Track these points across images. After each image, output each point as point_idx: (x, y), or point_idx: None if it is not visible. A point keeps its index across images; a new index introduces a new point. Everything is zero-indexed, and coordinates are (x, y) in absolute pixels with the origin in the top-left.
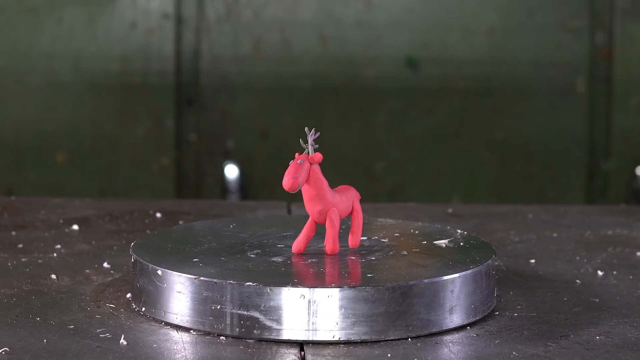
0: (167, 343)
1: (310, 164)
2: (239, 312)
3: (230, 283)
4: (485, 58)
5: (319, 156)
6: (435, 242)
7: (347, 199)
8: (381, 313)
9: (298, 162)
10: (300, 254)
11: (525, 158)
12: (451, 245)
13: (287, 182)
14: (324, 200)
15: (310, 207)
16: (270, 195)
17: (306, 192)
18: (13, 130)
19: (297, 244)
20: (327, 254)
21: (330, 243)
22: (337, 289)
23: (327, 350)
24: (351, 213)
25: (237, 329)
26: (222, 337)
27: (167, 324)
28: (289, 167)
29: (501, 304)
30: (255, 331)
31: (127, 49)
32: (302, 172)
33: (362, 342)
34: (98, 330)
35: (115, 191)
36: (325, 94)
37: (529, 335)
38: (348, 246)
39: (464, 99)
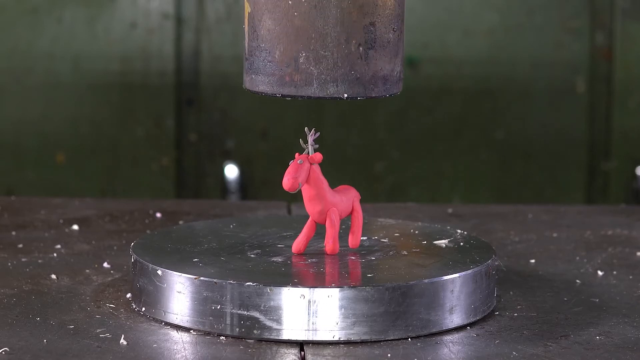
0: (167, 343)
1: (310, 164)
2: (239, 312)
3: (230, 283)
4: (485, 58)
5: (319, 156)
6: (435, 242)
7: (347, 199)
8: (381, 313)
9: (298, 162)
10: (300, 254)
11: (525, 158)
12: (451, 245)
13: (287, 182)
14: (324, 200)
15: (311, 207)
16: (271, 195)
17: (306, 192)
18: (13, 130)
19: (297, 244)
20: (327, 254)
21: (330, 243)
22: (337, 289)
23: (327, 350)
24: (351, 213)
25: (237, 329)
26: (222, 337)
27: (167, 324)
28: (289, 167)
29: (501, 304)
30: (255, 331)
31: (127, 49)
32: (302, 172)
33: (362, 342)
34: (98, 330)
35: (115, 191)
36: None
37: (529, 335)
38: (348, 246)
39: (464, 99)
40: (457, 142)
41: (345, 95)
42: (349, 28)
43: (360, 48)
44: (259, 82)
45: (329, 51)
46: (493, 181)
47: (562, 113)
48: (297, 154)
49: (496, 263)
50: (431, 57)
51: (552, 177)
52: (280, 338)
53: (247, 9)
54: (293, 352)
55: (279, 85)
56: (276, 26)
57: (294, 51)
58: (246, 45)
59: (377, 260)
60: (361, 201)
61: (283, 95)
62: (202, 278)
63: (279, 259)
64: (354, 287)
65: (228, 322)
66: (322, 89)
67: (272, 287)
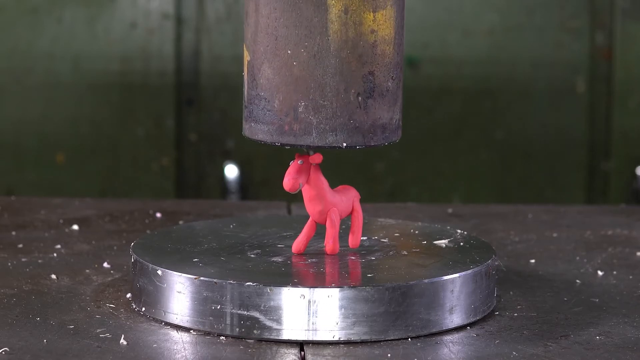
0: (167, 343)
1: (311, 164)
2: (239, 312)
3: (230, 283)
4: (485, 58)
5: (319, 156)
6: (435, 242)
7: (347, 198)
8: (381, 313)
9: (298, 162)
10: (300, 254)
11: (525, 158)
12: (451, 245)
13: (287, 183)
14: (325, 201)
15: (311, 207)
16: (271, 195)
17: (306, 193)
18: (13, 130)
19: (297, 244)
20: (327, 254)
21: (330, 243)
22: (337, 289)
23: (327, 350)
24: (351, 213)
25: (237, 329)
26: (222, 337)
27: (167, 324)
28: (289, 168)
29: (501, 304)
30: (255, 331)
31: (127, 49)
32: (302, 173)
33: (362, 342)
34: (98, 330)
35: (115, 191)
36: None
37: (529, 335)
38: (348, 246)
39: (464, 99)
40: (457, 142)
41: (345, 144)
42: (347, 77)
43: (359, 97)
44: (258, 130)
45: (327, 100)
46: (493, 181)
47: (562, 113)
48: (297, 155)
49: (496, 263)
50: (431, 57)
51: (552, 177)
52: (280, 338)
53: (247, 57)
54: (293, 352)
55: (278, 134)
56: (275, 75)
57: (293, 100)
58: (245, 93)
59: (377, 260)
60: (361, 201)
61: (282, 144)
62: (202, 278)
63: (279, 259)
64: (354, 287)
65: (228, 322)
66: (321, 138)
67: (272, 287)
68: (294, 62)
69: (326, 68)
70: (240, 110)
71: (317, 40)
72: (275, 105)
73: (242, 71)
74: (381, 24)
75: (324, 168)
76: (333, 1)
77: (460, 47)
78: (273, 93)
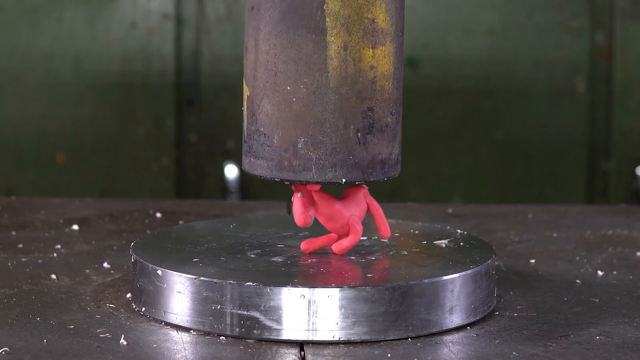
0: (167, 343)
1: (310, 190)
2: (239, 312)
3: (230, 283)
4: (485, 58)
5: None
6: (435, 242)
7: (359, 199)
8: (381, 313)
9: (299, 195)
10: (301, 254)
11: (525, 158)
12: (451, 245)
13: (299, 219)
14: (342, 216)
15: (331, 226)
16: (271, 195)
17: (320, 217)
18: (13, 130)
19: (308, 245)
20: (329, 254)
21: (344, 246)
22: (337, 289)
23: (327, 350)
24: (368, 209)
25: (237, 329)
26: (222, 337)
27: (167, 324)
28: (295, 204)
29: (501, 304)
30: (255, 331)
31: (127, 49)
32: (308, 204)
33: (362, 342)
34: (98, 330)
35: (115, 191)
36: None
37: (529, 335)
38: (381, 239)
39: (464, 99)
40: (457, 142)
41: (344, 180)
42: (347, 113)
43: (359, 133)
44: (258, 165)
45: (327, 136)
46: (493, 181)
47: (562, 113)
48: (293, 187)
49: (496, 263)
50: (431, 57)
51: (552, 177)
52: (280, 338)
53: (246, 92)
54: (293, 352)
55: (278, 170)
56: (275, 111)
57: (293, 136)
58: (245, 127)
59: (377, 260)
60: None
61: (282, 180)
62: (202, 278)
63: (279, 259)
64: (354, 287)
65: (228, 322)
66: (321, 174)
67: (272, 287)
68: (293, 98)
69: (325, 104)
70: (240, 110)
71: (317, 76)
72: (275, 141)
73: (242, 105)
74: (380, 59)
75: None
76: (332, 38)
77: (460, 47)
78: (272, 129)
